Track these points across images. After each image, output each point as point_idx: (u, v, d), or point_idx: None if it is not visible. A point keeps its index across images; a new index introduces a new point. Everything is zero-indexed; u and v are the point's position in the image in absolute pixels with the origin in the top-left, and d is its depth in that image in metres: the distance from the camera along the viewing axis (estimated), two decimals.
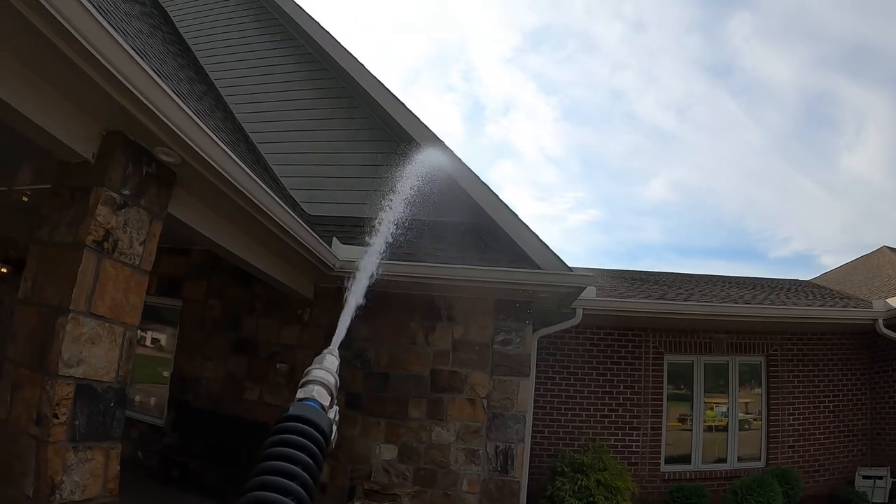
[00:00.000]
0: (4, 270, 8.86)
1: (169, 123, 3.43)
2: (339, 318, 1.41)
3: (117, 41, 2.88)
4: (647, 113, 45.16)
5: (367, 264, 1.67)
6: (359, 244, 6.77)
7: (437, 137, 7.50)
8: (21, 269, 8.43)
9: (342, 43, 8.45)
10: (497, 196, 7.21)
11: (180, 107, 3.46)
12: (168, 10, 10.16)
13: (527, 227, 6.94)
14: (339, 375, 1.24)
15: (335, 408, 1.19)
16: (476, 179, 7.28)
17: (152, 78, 3.18)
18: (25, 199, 6.32)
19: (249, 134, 8.40)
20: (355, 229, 6.88)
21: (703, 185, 46.81)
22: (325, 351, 1.27)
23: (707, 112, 43.04)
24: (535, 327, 7.42)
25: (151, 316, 7.54)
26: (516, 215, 7.04)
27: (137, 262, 3.76)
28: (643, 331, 9.21)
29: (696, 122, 43.52)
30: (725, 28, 38.15)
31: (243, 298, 7.84)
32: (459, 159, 7.34)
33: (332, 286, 6.95)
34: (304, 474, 0.96)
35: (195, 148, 3.72)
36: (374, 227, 1.84)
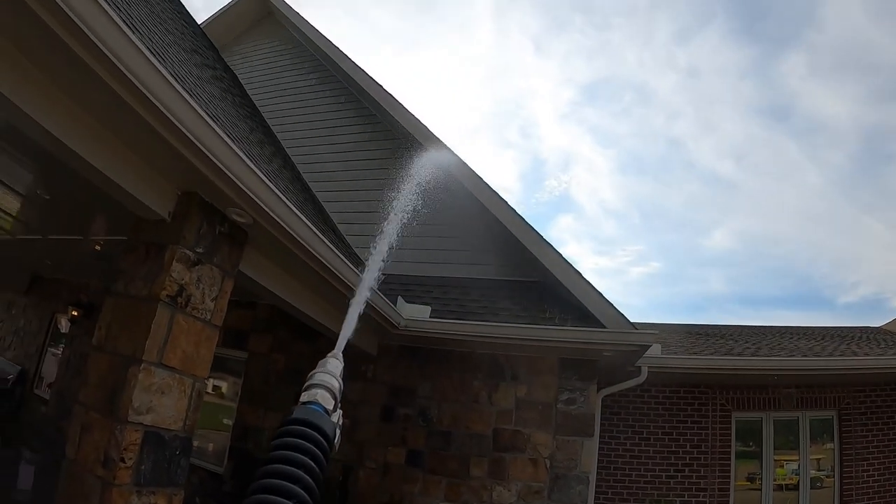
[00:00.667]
0: (76, 314, 9.22)
1: (242, 186, 3.59)
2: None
3: (194, 108, 3.06)
4: (706, 161, 44.55)
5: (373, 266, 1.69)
6: (424, 303, 6.83)
7: (499, 196, 7.59)
8: (91, 312, 8.80)
9: (405, 104, 8.72)
10: (560, 254, 7.18)
11: (252, 170, 3.62)
12: (237, 73, 10.67)
13: (589, 284, 6.87)
14: (342, 379, 1.25)
15: (339, 411, 1.21)
16: (539, 238, 7.29)
17: (226, 142, 3.35)
18: (98, 248, 6.66)
19: (316, 193, 8.66)
20: (419, 288, 6.92)
21: (766, 232, 45.58)
22: (329, 355, 1.29)
23: (767, 157, 42.08)
24: (600, 386, 7.25)
25: (216, 365, 7.63)
26: (580, 273, 6.98)
27: (209, 318, 3.89)
28: (709, 388, 8.89)
29: (756, 167, 42.63)
30: (779, 69, 37.55)
31: (308, 353, 7.90)
32: (522, 218, 7.41)
33: (395, 344, 7.04)
34: (307, 477, 1.00)
35: (266, 209, 3.87)
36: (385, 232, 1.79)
